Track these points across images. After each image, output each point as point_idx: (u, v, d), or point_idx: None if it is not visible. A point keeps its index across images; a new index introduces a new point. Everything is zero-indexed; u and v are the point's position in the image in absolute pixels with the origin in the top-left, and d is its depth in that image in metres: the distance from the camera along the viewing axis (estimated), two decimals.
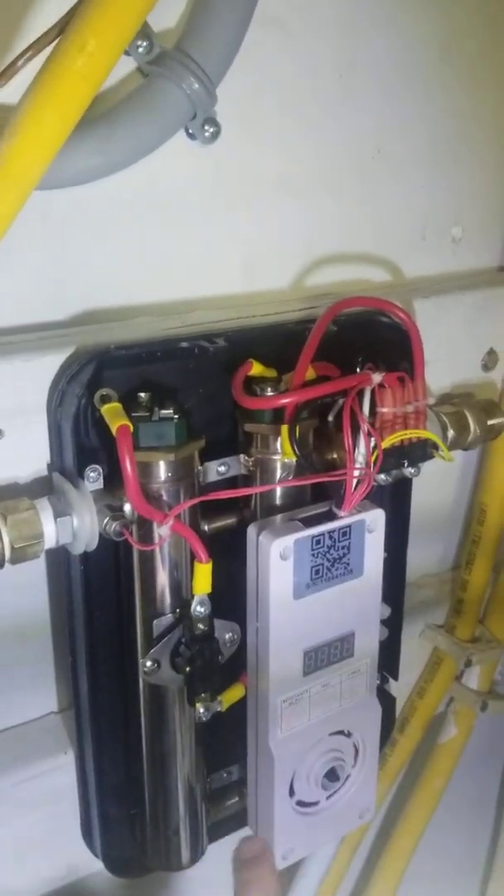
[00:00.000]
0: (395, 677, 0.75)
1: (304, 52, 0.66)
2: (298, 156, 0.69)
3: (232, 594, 0.58)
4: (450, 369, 0.78)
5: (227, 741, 0.64)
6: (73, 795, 0.65)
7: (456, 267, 0.83)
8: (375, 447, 0.56)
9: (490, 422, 0.73)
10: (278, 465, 0.58)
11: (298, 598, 0.56)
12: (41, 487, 0.56)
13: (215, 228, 0.66)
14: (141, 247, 0.63)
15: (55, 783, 0.65)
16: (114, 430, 0.48)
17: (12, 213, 0.44)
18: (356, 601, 0.59)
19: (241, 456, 0.59)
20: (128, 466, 0.48)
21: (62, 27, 0.41)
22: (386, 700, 0.72)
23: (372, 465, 0.56)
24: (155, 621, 0.56)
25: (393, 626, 0.71)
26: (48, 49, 0.42)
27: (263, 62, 0.64)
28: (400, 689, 0.80)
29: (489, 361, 0.81)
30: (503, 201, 0.84)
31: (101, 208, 0.59)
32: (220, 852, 0.66)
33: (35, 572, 0.62)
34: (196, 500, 0.53)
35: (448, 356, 0.77)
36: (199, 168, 0.63)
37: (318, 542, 0.55)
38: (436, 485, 0.85)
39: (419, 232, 0.79)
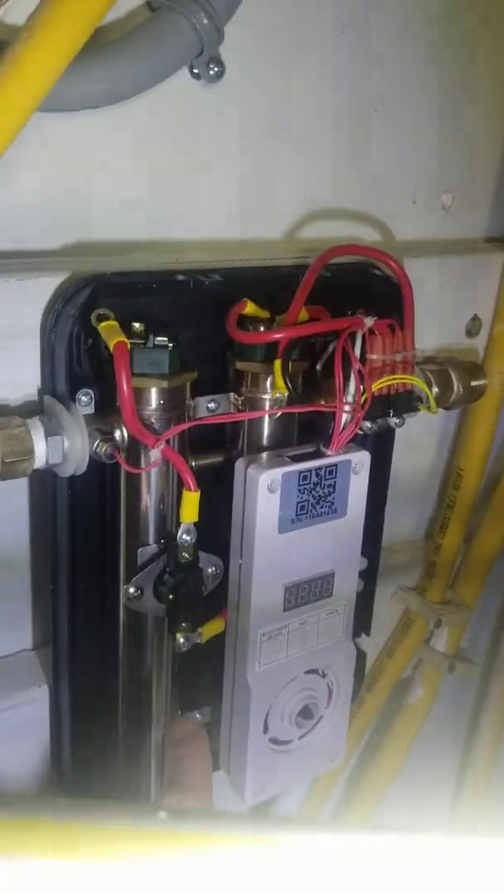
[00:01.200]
0: (368, 633, 0.76)
1: (309, 3, 0.67)
2: (299, 107, 0.69)
3: (215, 531, 0.58)
4: (434, 333, 0.79)
5: (200, 682, 0.64)
6: (44, 730, 0.65)
7: (444, 234, 0.84)
8: (365, 390, 0.57)
9: (473, 383, 0.74)
10: (267, 404, 0.59)
11: (283, 533, 0.56)
12: (30, 411, 0.56)
13: (213, 171, 0.66)
14: (138, 182, 0.63)
15: (27, 717, 0.64)
16: (111, 345, 0.48)
17: (17, 123, 0.44)
18: (338, 541, 0.60)
19: (231, 394, 0.60)
20: (124, 383, 0.48)
21: None
22: (357, 654, 0.73)
23: (361, 405, 0.57)
24: (139, 550, 0.56)
25: (368, 579, 0.72)
26: None
27: (270, 9, 0.64)
28: (370, 648, 0.81)
29: (473, 327, 0.82)
30: (494, 174, 0.86)
31: (102, 139, 0.59)
32: None
33: (17, 504, 0.62)
34: (188, 425, 0.54)
35: (433, 319, 0.78)
36: (201, 109, 0.63)
37: (304, 478, 0.56)
38: (414, 452, 0.86)
39: (410, 195, 0.80)
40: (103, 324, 0.49)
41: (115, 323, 0.50)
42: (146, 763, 0.63)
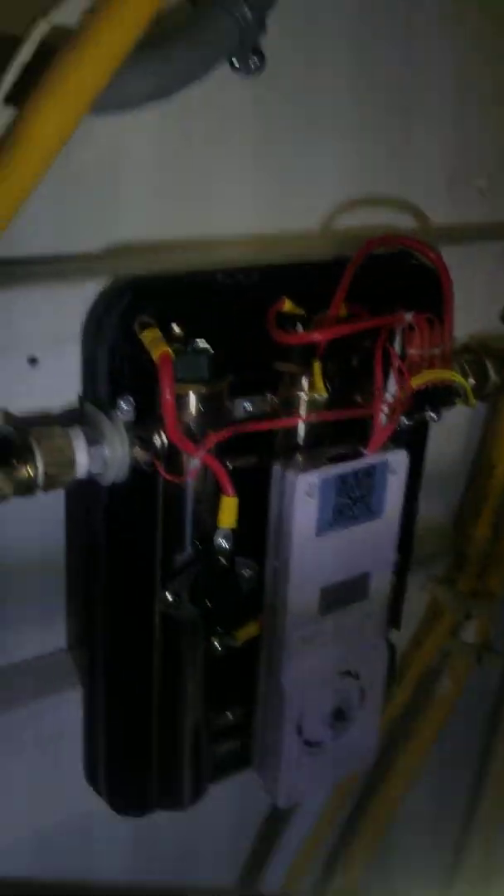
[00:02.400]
0: (398, 627, 0.76)
1: None
2: (334, 95, 0.68)
3: (250, 532, 0.57)
4: (467, 319, 0.77)
5: (232, 682, 0.64)
6: (77, 733, 0.65)
7: (480, 218, 0.82)
8: (405, 387, 0.56)
9: None
10: (304, 405, 0.58)
11: (320, 536, 0.56)
12: (72, 418, 0.55)
13: (250, 163, 0.65)
14: (175, 179, 0.62)
15: (61, 719, 0.64)
16: (155, 357, 0.47)
17: (69, 129, 0.43)
18: (374, 542, 0.59)
19: (268, 395, 0.58)
20: (167, 394, 0.47)
21: None
22: (388, 649, 0.73)
23: (400, 404, 0.56)
24: (176, 555, 0.56)
25: (400, 573, 0.71)
26: None
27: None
28: (398, 640, 0.80)
29: None
30: None
31: (138, 136, 0.58)
32: (219, 793, 0.67)
33: (53, 505, 0.62)
34: (228, 433, 0.52)
35: (466, 306, 0.75)
36: (239, 100, 0.62)
37: (343, 481, 0.55)
38: (443, 440, 0.85)
39: (446, 181, 0.79)
40: (146, 333, 0.48)
41: (157, 332, 0.49)
42: (180, 764, 0.63)
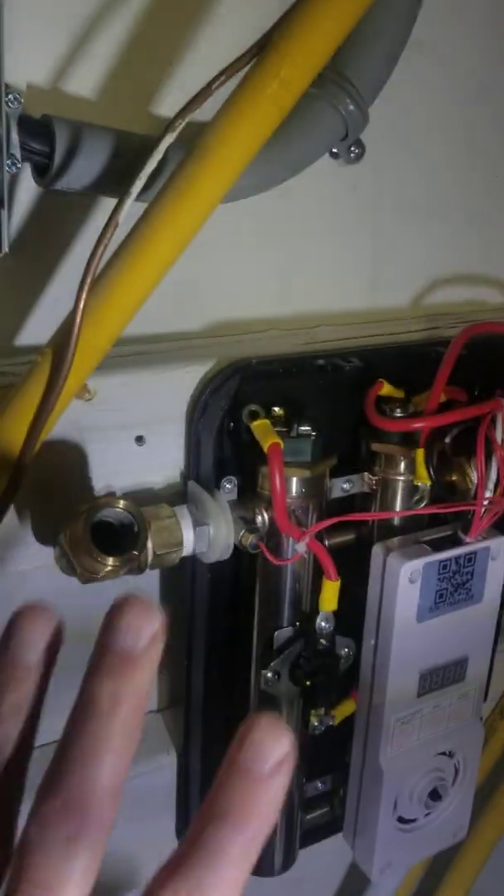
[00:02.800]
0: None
1: (442, 76, 0.67)
2: (428, 178, 0.69)
3: (345, 609, 0.58)
4: None
5: (323, 753, 0.64)
6: (169, 794, 0.66)
7: None
8: None
9: None
10: (401, 486, 0.59)
11: (421, 621, 0.56)
12: (172, 494, 0.57)
13: (346, 246, 0.67)
14: (274, 261, 0.64)
15: (156, 782, 0.65)
16: (266, 447, 0.49)
17: (197, 227, 0.45)
18: (473, 626, 0.59)
19: (365, 474, 0.60)
20: (277, 483, 0.49)
21: (254, 53, 0.42)
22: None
23: (502, 493, 0.56)
24: (276, 633, 0.57)
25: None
26: (240, 74, 0.42)
27: (404, 85, 0.64)
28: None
29: None
30: None
31: (240, 223, 0.60)
32: (309, 859, 0.67)
33: (148, 574, 0.63)
34: (334, 520, 0.54)
35: None
36: (338, 188, 0.64)
37: (444, 567, 0.56)
38: None
39: None
40: (256, 423, 0.50)
41: (267, 422, 0.50)
42: (272, 833, 0.63)
